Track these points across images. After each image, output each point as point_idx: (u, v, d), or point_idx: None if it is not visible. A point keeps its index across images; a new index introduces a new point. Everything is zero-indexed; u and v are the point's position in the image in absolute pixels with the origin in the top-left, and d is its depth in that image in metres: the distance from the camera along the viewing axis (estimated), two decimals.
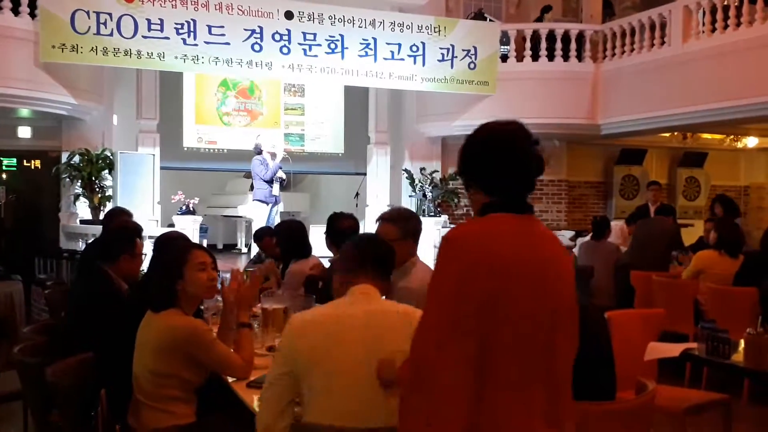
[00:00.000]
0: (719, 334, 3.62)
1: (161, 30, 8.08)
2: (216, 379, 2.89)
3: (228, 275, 3.15)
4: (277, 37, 8.65)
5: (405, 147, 11.08)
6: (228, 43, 8.42)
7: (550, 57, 10.10)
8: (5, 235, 9.45)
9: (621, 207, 12.04)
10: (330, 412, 2.14)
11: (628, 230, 8.09)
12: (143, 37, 8.00)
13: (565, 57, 10.15)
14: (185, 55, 8.24)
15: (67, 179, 9.03)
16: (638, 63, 9.60)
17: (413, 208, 9.40)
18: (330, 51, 8.94)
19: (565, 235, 9.42)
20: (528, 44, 10.09)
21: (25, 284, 7.15)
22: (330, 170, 11.95)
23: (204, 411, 2.87)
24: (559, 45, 10.07)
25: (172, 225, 8.78)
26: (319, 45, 8.87)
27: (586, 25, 10.67)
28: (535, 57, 10.12)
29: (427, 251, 8.27)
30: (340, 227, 4.14)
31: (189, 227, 8.75)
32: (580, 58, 10.21)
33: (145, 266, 3.88)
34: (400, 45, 9.27)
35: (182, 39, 8.19)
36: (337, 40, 8.96)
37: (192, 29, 8.22)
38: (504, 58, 10.11)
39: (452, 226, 10.31)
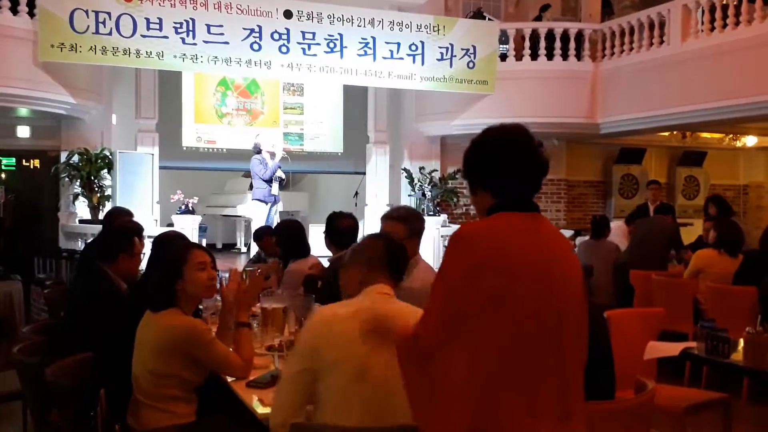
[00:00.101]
0: (719, 333, 3.62)
1: (160, 29, 8.07)
2: (215, 378, 2.89)
3: (227, 275, 3.15)
4: (276, 36, 8.65)
5: (404, 146, 11.07)
6: (227, 43, 8.41)
7: (549, 56, 10.10)
8: (4, 235, 9.43)
9: (620, 206, 12.04)
10: (347, 412, 2.13)
11: (627, 230, 8.09)
12: (142, 36, 7.99)
13: (564, 56, 10.15)
14: (184, 55, 8.24)
15: (66, 179, 9.02)
16: (637, 62, 9.60)
17: None
18: (329, 50, 8.94)
19: (564, 235, 9.42)
20: (527, 43, 10.09)
21: (25, 284, 7.15)
22: (329, 169, 11.95)
23: (204, 410, 2.87)
24: (558, 44, 10.07)
25: (171, 224, 8.77)
26: (318, 44, 8.87)
27: (585, 24, 10.67)
28: (534, 56, 10.12)
29: (426, 250, 8.27)
30: (340, 226, 4.14)
31: (188, 227, 8.74)
32: (579, 57, 10.20)
33: (143, 266, 3.88)
34: (399, 44, 9.26)
35: (181, 38, 8.18)
36: (336, 39, 8.95)
37: (191, 28, 8.22)
38: (503, 57, 10.10)
39: (451, 225, 10.38)
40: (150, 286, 2.98)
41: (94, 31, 7.79)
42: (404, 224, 3.31)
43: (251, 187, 9.67)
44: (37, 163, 9.98)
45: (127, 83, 9.89)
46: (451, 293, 1.76)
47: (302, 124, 11.44)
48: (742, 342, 3.61)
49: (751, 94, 7.97)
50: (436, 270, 1.94)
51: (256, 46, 8.56)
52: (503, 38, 10.17)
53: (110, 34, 7.84)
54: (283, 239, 4.94)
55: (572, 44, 10.17)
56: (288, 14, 8.70)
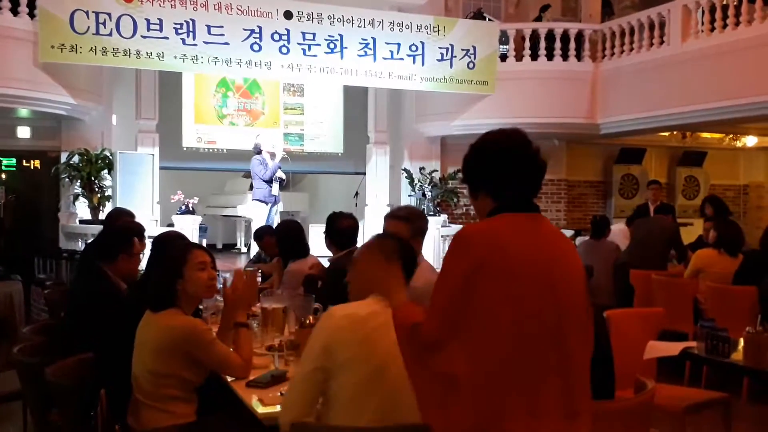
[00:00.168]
0: (719, 332, 3.62)
1: (160, 30, 8.07)
2: (216, 378, 2.89)
3: (228, 275, 3.15)
4: (276, 36, 8.65)
5: (404, 146, 11.07)
6: (227, 43, 8.41)
7: (549, 56, 10.10)
8: (5, 235, 9.44)
9: (620, 206, 12.04)
10: (360, 411, 2.13)
11: (629, 232, 8.09)
12: (142, 37, 7.99)
13: (564, 56, 10.15)
14: (184, 55, 8.24)
15: (67, 179, 9.02)
16: (637, 62, 9.60)
17: None
18: (329, 51, 8.94)
19: (565, 235, 9.41)
20: (527, 44, 10.08)
21: (25, 284, 7.15)
22: (329, 170, 11.95)
23: (204, 410, 2.87)
24: (558, 44, 10.07)
25: (171, 225, 8.77)
26: (319, 45, 8.87)
27: (585, 25, 10.67)
28: (534, 56, 10.11)
29: (426, 250, 8.26)
30: (340, 227, 4.14)
31: (188, 227, 8.74)
32: (579, 57, 10.20)
33: (143, 266, 3.88)
34: (399, 45, 9.26)
35: (181, 39, 8.18)
36: (337, 40, 8.95)
37: (191, 29, 8.22)
38: (503, 57, 10.10)
39: (451, 225, 10.37)
40: (150, 286, 2.98)
41: (95, 31, 7.79)
42: (408, 224, 3.31)
43: (251, 187, 9.67)
44: (37, 163, 9.98)
45: (127, 84, 9.90)
46: (452, 293, 1.78)
47: (302, 125, 11.44)
48: (742, 342, 3.61)
49: (751, 94, 7.97)
50: (438, 269, 1.96)
51: (256, 47, 8.56)
52: (503, 39, 10.17)
53: (110, 34, 7.84)
54: (282, 239, 4.94)
55: (572, 44, 10.17)
56: (288, 15, 8.70)
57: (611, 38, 10.11)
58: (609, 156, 12.41)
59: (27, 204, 9.88)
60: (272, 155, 9.25)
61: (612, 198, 12.33)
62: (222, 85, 10.82)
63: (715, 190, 12.50)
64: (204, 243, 9.28)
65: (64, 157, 9.16)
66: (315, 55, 8.88)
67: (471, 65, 9.60)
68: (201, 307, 3.50)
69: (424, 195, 10.48)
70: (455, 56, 9.50)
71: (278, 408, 2.44)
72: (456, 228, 9.95)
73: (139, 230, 4.10)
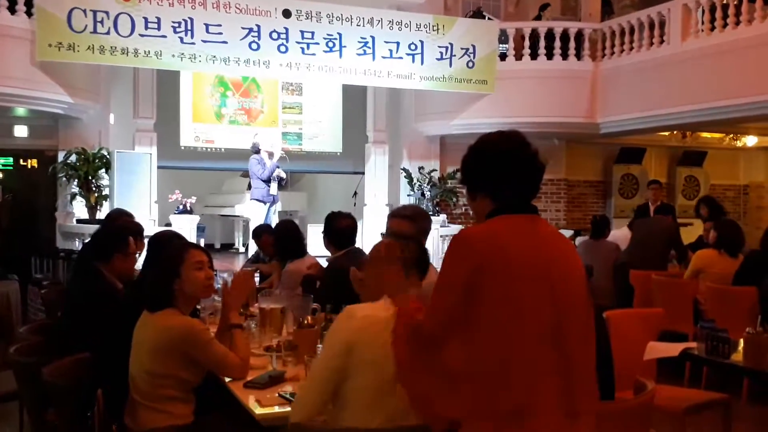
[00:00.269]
0: (719, 333, 3.61)
1: (158, 28, 8.05)
2: (213, 379, 2.87)
3: (226, 275, 3.13)
4: (274, 35, 8.63)
5: (403, 146, 11.06)
6: (225, 42, 8.39)
7: (549, 55, 10.08)
8: (1, 235, 9.42)
9: (620, 206, 12.04)
10: (373, 413, 2.12)
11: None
12: (140, 35, 7.97)
13: (564, 55, 10.14)
14: (182, 54, 8.22)
15: (64, 178, 9.00)
16: (637, 62, 9.59)
17: None
18: (328, 49, 8.92)
19: (564, 235, 9.39)
20: (527, 43, 10.07)
21: (22, 284, 7.14)
22: (328, 169, 11.93)
23: (201, 411, 2.85)
24: (557, 43, 10.05)
25: (169, 224, 8.75)
26: (317, 43, 8.85)
27: (584, 24, 10.66)
28: (534, 55, 10.10)
29: None
30: (338, 226, 4.13)
31: (186, 226, 8.72)
32: (578, 56, 10.19)
33: (139, 265, 3.86)
34: (398, 43, 9.24)
35: (179, 37, 8.16)
36: (335, 39, 8.93)
37: (189, 28, 8.20)
38: (503, 56, 10.09)
39: (450, 225, 10.35)
40: (147, 286, 2.96)
41: (92, 30, 7.76)
42: (412, 223, 3.30)
43: (250, 186, 9.65)
44: (34, 162, 9.95)
45: (125, 83, 9.88)
46: (452, 295, 1.79)
47: (301, 124, 11.42)
48: (742, 342, 3.59)
49: (751, 94, 7.96)
50: (438, 269, 1.97)
51: (254, 46, 8.54)
52: (503, 38, 10.15)
53: (108, 33, 7.82)
54: (280, 239, 4.93)
55: (572, 44, 10.16)
56: (287, 13, 8.68)
57: (611, 37, 10.10)
58: (609, 156, 12.40)
59: (24, 203, 9.86)
60: (270, 154, 9.24)
61: (612, 198, 12.32)
62: (221, 84, 10.79)
63: (715, 190, 12.51)
64: (202, 243, 9.27)
65: (61, 156, 9.14)
66: (314, 54, 8.86)
67: (470, 64, 9.58)
68: (199, 307, 3.48)
69: (423, 195, 10.47)
70: (454, 55, 9.49)
71: (276, 409, 2.43)
72: (455, 228, 9.94)
73: (137, 230, 4.08)
